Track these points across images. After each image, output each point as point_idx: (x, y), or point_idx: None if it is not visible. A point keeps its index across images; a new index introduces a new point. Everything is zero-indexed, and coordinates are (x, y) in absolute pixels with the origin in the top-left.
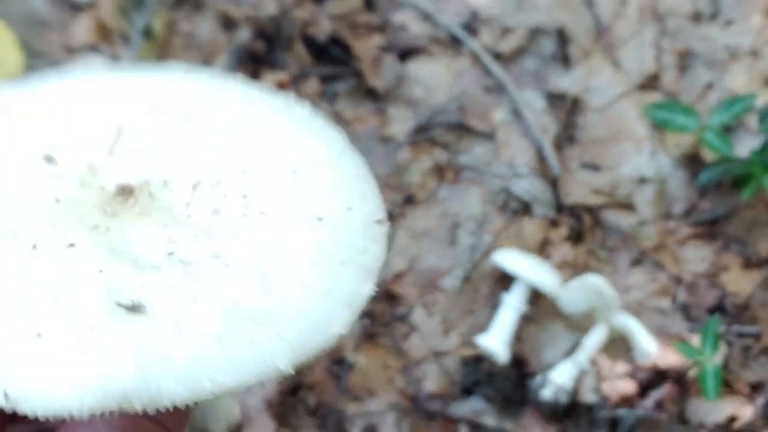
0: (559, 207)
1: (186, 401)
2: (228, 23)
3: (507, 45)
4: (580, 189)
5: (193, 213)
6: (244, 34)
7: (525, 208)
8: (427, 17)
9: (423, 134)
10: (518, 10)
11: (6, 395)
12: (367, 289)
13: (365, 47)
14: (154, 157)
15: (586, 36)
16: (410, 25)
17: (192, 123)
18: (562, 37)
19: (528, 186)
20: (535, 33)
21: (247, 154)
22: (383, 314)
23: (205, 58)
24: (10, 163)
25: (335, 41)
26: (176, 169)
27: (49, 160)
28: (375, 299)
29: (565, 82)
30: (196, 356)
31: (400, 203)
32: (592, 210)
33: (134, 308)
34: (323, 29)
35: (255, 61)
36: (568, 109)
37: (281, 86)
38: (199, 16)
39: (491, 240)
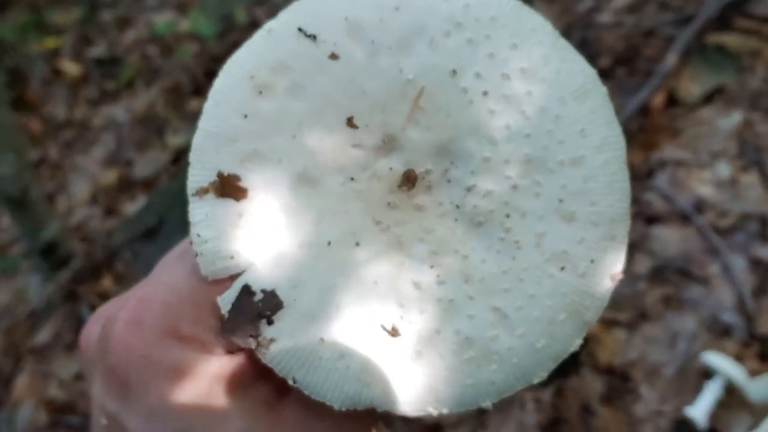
0: (752, 334)
1: (411, 415)
2: None
3: (724, 222)
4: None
5: (460, 220)
6: None
7: (727, 331)
8: (667, 198)
9: (657, 274)
10: (734, 199)
11: (294, 380)
12: (576, 344)
13: None
14: (442, 136)
15: None
16: (654, 201)
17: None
18: (764, 221)
19: (730, 317)
20: (745, 216)
21: (529, 165)
22: (619, 386)
23: None
24: (318, 120)
25: None
26: (459, 153)
27: (351, 124)
28: (614, 377)
29: (764, 252)
30: (427, 386)
31: (637, 318)
32: None
33: (393, 332)
34: None
35: None
36: (764, 270)
37: None
38: None
39: (700, 347)
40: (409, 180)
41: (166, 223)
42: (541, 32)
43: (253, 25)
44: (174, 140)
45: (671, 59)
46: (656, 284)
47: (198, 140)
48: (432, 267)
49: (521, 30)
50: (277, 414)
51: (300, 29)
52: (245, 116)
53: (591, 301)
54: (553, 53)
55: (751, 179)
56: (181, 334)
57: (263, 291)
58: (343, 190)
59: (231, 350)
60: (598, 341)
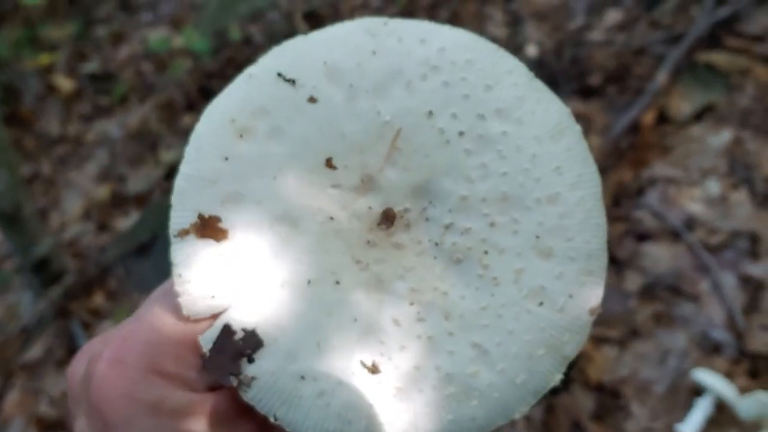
0: (742, 352)
1: None
2: None
3: (713, 240)
4: (757, 342)
5: (439, 258)
6: None
7: (717, 349)
8: (657, 215)
9: (648, 291)
10: (724, 216)
11: (275, 417)
12: (556, 380)
13: (613, 231)
14: (419, 176)
15: None
16: (645, 219)
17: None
18: (754, 239)
19: (720, 334)
20: (735, 234)
21: (506, 203)
22: (610, 403)
23: None
24: (298, 162)
25: None
26: (437, 193)
27: (330, 165)
28: (604, 394)
29: (754, 270)
30: (408, 422)
31: (628, 335)
32: (765, 357)
33: (372, 369)
34: None
35: None
36: (754, 288)
37: None
38: None
39: (690, 364)
40: (387, 219)
41: (159, 239)
42: (516, 74)
43: (247, 42)
44: (167, 156)
45: (662, 77)
46: (647, 301)
47: (179, 183)
48: (412, 304)
49: (496, 72)
50: None
51: (279, 74)
52: (226, 159)
53: (570, 336)
54: (528, 94)
55: (740, 197)
56: (163, 371)
57: (244, 330)
58: (323, 229)
59: (212, 387)
60: (589, 358)
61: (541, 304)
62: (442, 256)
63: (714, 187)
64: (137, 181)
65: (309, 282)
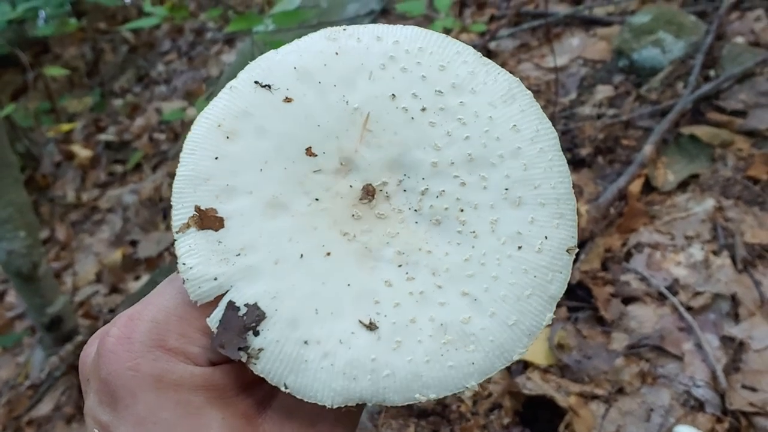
0: (724, 410)
1: (401, 404)
2: None
3: (696, 302)
4: (740, 401)
5: (420, 222)
6: None
7: (700, 406)
8: (643, 279)
9: (633, 350)
10: (706, 280)
11: (285, 385)
12: (547, 319)
13: (601, 292)
14: (392, 152)
15: (751, 303)
16: (631, 282)
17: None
18: (735, 301)
19: (703, 393)
20: (717, 297)
21: (472, 163)
22: None
23: None
24: (282, 155)
25: (581, 286)
26: (410, 165)
27: (310, 153)
28: None
29: (735, 330)
30: (411, 373)
31: (614, 392)
32: (747, 415)
33: (370, 326)
34: (575, 277)
35: None
36: (735, 348)
37: None
38: None
39: (674, 422)
40: (368, 193)
41: None
42: (464, 54)
43: None
44: None
45: (648, 149)
46: (633, 360)
47: (177, 184)
48: (400, 266)
49: (447, 54)
50: (255, 428)
51: (256, 82)
52: (216, 158)
53: (553, 275)
54: (478, 68)
55: (722, 262)
56: (167, 346)
57: (246, 305)
58: (310, 210)
59: (215, 362)
60: (576, 414)
61: (519, 248)
62: (423, 219)
63: (697, 252)
64: (148, 246)
65: (302, 256)
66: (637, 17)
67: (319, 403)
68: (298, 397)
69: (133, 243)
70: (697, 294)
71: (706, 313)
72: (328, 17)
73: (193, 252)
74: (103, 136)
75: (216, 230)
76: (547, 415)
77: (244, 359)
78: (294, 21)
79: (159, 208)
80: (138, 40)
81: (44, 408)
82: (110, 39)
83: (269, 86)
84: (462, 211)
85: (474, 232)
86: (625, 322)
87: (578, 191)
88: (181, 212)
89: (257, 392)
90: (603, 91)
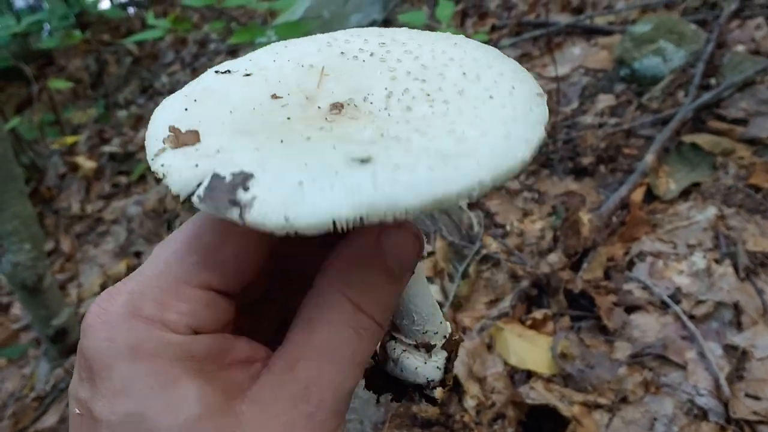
0: (728, 419)
1: (413, 209)
2: (514, 276)
3: (699, 311)
4: (743, 410)
5: (391, 112)
6: (524, 284)
7: (704, 415)
8: (646, 288)
9: (636, 359)
10: (709, 289)
11: (286, 218)
12: (540, 131)
13: (603, 301)
14: (352, 83)
15: (754, 311)
16: (634, 291)
17: (378, 57)
18: (737, 310)
19: (706, 401)
20: (719, 305)
21: (427, 69)
22: None
23: (497, 296)
24: (248, 102)
25: (584, 295)
26: (371, 87)
27: (275, 97)
28: None
29: (738, 339)
30: (416, 176)
31: (617, 401)
32: (751, 424)
33: (364, 160)
34: (578, 286)
35: (530, 301)
36: (738, 357)
37: (544, 319)
38: (497, 270)
39: (678, 431)
40: (336, 107)
41: None
42: (413, 30)
43: None
44: None
45: (650, 157)
46: (636, 369)
47: (147, 138)
48: (382, 135)
49: (399, 32)
50: (233, 408)
51: (216, 71)
52: (186, 110)
53: (532, 104)
54: (418, 34)
55: (724, 270)
56: (144, 314)
57: (232, 173)
58: (284, 122)
59: (195, 330)
60: (579, 424)
61: (491, 97)
62: (394, 111)
63: (700, 260)
64: None
65: (282, 141)
66: (638, 26)
67: (329, 229)
68: (300, 228)
69: (138, 254)
70: (700, 302)
71: (709, 321)
72: (330, 28)
73: (171, 158)
74: (107, 148)
75: (192, 144)
76: (550, 425)
77: (236, 214)
78: (297, 32)
79: (163, 219)
80: (142, 52)
81: (49, 420)
82: (114, 51)
83: (229, 71)
84: (428, 95)
85: (445, 101)
86: (627, 331)
87: (580, 200)
88: (154, 144)
89: (240, 373)
90: (604, 100)
